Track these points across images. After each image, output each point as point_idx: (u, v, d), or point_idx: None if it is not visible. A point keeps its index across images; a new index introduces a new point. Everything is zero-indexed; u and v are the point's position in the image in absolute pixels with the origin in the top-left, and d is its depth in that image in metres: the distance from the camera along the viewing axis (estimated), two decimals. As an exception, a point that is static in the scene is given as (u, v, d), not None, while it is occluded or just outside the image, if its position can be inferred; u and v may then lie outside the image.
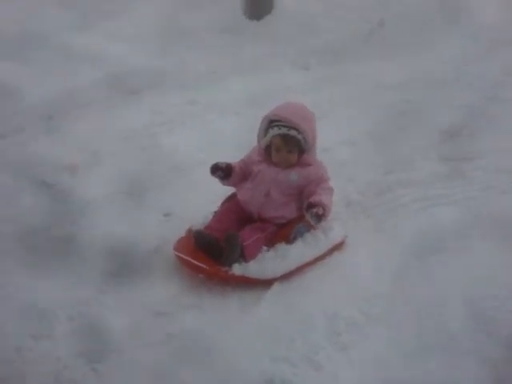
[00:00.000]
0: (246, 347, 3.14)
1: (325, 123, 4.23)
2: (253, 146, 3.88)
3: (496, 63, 5.90)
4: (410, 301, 3.35)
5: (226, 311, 3.41)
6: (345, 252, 3.76)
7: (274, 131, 3.68)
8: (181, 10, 6.84)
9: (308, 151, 3.72)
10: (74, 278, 3.57)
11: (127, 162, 4.57)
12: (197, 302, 3.47)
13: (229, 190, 3.92)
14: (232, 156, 3.92)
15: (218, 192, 3.93)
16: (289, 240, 3.66)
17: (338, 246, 3.77)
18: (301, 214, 3.69)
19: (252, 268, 3.53)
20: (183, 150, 4.69)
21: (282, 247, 3.63)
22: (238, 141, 4.59)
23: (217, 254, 3.55)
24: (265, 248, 3.61)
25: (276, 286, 3.50)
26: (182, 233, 3.76)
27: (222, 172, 3.76)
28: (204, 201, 4.00)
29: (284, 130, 3.65)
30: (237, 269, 3.52)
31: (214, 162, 3.80)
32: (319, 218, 3.52)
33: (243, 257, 3.55)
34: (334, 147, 4.62)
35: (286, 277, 3.55)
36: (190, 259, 3.57)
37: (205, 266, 3.54)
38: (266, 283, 3.51)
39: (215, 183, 3.85)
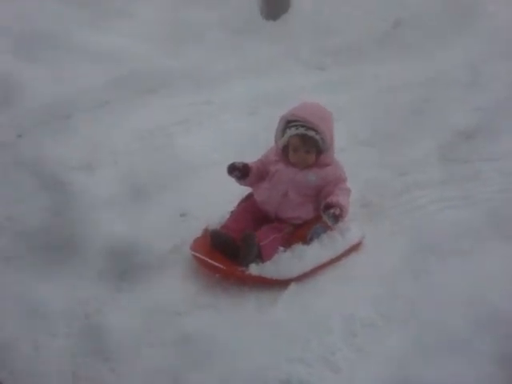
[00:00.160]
0: (262, 347, 3.15)
1: (341, 123, 4.24)
2: (270, 146, 3.88)
3: (511, 64, 5.86)
4: (429, 301, 3.34)
5: (243, 311, 3.41)
6: (362, 253, 3.76)
7: (292, 131, 3.67)
8: (196, 9, 6.82)
9: (326, 151, 3.71)
10: (92, 276, 3.60)
11: (143, 162, 4.57)
12: (213, 301, 3.48)
13: (245, 190, 3.92)
14: (247, 156, 3.92)
15: (235, 192, 3.93)
16: (306, 240, 3.66)
17: (355, 247, 3.77)
18: (318, 214, 3.68)
19: (269, 268, 3.53)
20: (199, 150, 4.68)
21: (298, 248, 3.63)
22: (253, 141, 4.60)
23: (233, 253, 3.55)
24: (281, 248, 3.61)
25: (293, 287, 3.50)
26: (199, 233, 3.77)
27: (239, 172, 3.76)
28: (221, 200, 4.00)
29: (302, 130, 3.64)
30: (253, 269, 3.52)
31: (229, 161, 3.80)
32: (336, 218, 3.52)
33: (260, 257, 3.55)
34: (350, 148, 4.61)
35: (303, 277, 3.55)
36: (206, 259, 3.58)
37: (221, 266, 3.54)
38: (282, 284, 3.51)
39: (232, 183, 3.84)
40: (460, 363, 3.01)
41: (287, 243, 3.64)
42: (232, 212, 3.81)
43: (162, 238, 3.85)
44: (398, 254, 3.70)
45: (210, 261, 3.57)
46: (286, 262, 3.55)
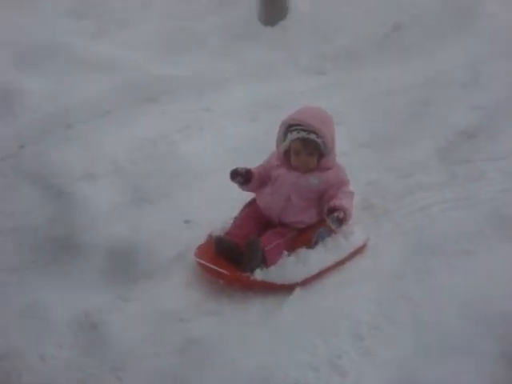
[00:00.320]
0: (269, 352, 3.14)
1: (341, 127, 4.24)
2: (271, 151, 3.89)
3: (511, 64, 5.86)
4: (434, 303, 3.33)
5: (248, 317, 3.41)
6: (366, 256, 3.75)
7: (293, 135, 3.67)
8: (194, 17, 6.85)
9: (327, 155, 3.72)
10: (97, 285, 3.60)
11: (145, 170, 4.57)
12: (218, 308, 3.48)
13: (248, 196, 3.92)
14: (248, 161, 3.92)
15: (238, 198, 3.94)
16: (310, 245, 3.66)
17: (360, 250, 3.76)
18: (321, 218, 3.68)
19: (273, 273, 3.52)
20: (201, 157, 4.69)
21: (303, 252, 3.62)
22: (253, 146, 4.60)
23: (238, 259, 3.55)
24: (286, 253, 3.61)
25: (298, 291, 3.50)
26: (203, 239, 3.77)
27: (242, 177, 3.76)
28: (224, 207, 4.01)
29: (303, 134, 3.65)
30: (258, 274, 3.51)
31: (230, 167, 3.80)
32: (340, 222, 3.52)
33: (264, 262, 3.54)
34: (351, 151, 4.61)
35: (308, 281, 3.55)
36: (211, 265, 3.57)
37: (226, 272, 3.54)
38: (287, 288, 3.50)
39: (234, 189, 3.85)
40: (465, 364, 2.99)
41: (291, 248, 3.64)
42: (235, 218, 3.81)
43: (166, 245, 3.86)
44: (401, 255, 3.68)
45: (214, 267, 3.56)
46: (290, 266, 3.55)
